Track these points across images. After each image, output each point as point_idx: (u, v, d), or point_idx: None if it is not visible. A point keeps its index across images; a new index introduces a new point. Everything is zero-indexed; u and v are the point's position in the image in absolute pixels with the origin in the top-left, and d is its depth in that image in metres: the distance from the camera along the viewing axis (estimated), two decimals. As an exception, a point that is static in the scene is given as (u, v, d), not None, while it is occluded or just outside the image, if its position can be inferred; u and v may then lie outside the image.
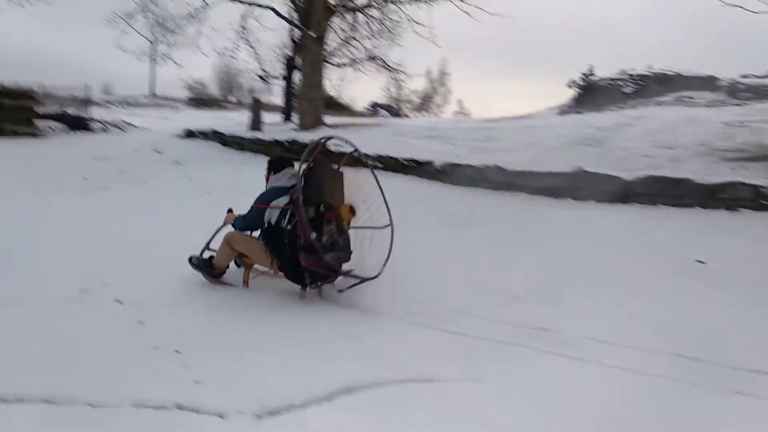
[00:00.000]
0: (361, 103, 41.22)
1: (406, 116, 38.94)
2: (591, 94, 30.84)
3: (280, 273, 4.20)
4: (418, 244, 5.57)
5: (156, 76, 36.19)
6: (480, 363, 3.24)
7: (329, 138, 4.31)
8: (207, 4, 13.35)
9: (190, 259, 4.53)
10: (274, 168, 4.42)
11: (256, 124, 15.44)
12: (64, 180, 9.01)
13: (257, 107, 15.90)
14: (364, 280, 4.10)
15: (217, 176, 9.68)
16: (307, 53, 13.33)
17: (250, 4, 13.77)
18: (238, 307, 4.06)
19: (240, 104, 38.75)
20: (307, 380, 2.96)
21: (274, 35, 17.61)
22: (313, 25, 12.73)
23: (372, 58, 17.80)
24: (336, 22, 15.00)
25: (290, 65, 18.67)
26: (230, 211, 4.61)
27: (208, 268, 4.47)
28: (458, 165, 8.88)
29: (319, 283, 4.16)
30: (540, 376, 3.12)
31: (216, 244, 4.59)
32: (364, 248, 4.27)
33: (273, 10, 13.70)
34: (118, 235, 5.73)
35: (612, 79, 31.80)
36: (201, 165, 10.82)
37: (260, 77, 19.56)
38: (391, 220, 4.41)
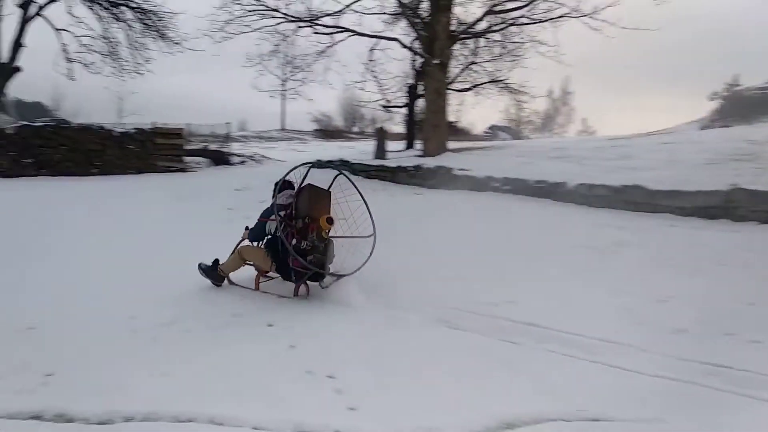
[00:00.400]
0: (479, 127, 41.00)
1: (527, 137, 38.08)
2: (737, 105, 28.19)
3: (277, 274, 4.98)
4: (560, 271, 5.32)
5: (286, 111, 38.56)
6: (654, 402, 2.95)
7: (312, 166, 5.13)
8: (335, 41, 13.95)
9: (200, 266, 5.23)
10: (276, 190, 5.03)
11: (380, 152, 15.80)
12: (210, 210, 9.70)
13: (381, 136, 16.28)
14: (340, 276, 4.84)
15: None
16: (430, 80, 13.46)
17: (376, 37, 14.23)
18: (384, 331, 4.06)
19: (363, 134, 40.10)
20: (461, 412, 2.86)
21: (396, 65, 18.06)
22: (436, 52, 12.86)
23: (494, 81, 17.64)
24: (457, 48, 15.09)
25: (412, 93, 19.01)
26: (247, 228, 5.35)
27: (213, 272, 5.17)
28: (593, 185, 8.43)
29: (300, 281, 4.84)
30: (731, 420, 2.77)
31: None
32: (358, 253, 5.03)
33: (397, 41, 14.05)
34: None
35: (762, 88, 28.86)
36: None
37: (383, 107, 20.04)
38: (374, 230, 5.12)
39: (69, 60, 16.76)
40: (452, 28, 13.50)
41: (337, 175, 5.28)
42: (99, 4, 16.47)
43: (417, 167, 11.85)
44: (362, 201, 5.20)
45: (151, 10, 16.51)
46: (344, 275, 4.82)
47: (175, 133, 15.91)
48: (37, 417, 2.90)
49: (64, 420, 2.88)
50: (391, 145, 16.89)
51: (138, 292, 5.15)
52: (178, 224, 8.42)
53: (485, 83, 17.71)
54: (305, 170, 4.98)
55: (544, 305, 4.48)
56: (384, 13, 14.88)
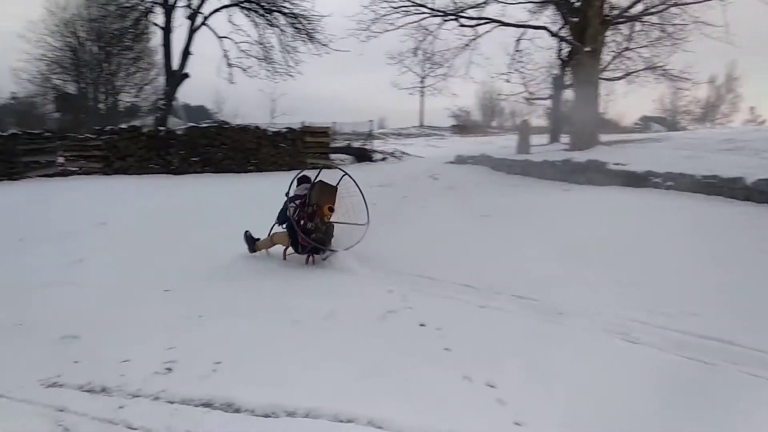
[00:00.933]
0: (628, 118, 38.22)
1: (685, 128, 34.80)
2: None
3: (291, 248, 6.26)
4: (748, 281, 4.66)
5: (424, 107, 38.82)
6: None
7: (323, 167, 6.76)
8: (478, 34, 13.62)
9: (246, 233, 6.60)
10: (296, 182, 6.43)
11: (523, 146, 15.25)
12: (355, 206, 9.91)
13: (525, 129, 15.70)
14: (334, 251, 6.06)
15: (491, 199, 9.66)
16: (580, 69, 12.68)
17: (522, 26, 13.70)
18: (548, 339, 3.78)
19: (502, 128, 39.21)
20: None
21: (540, 56, 17.31)
22: (588, 39, 12.07)
23: (650, 68, 16.25)
24: (609, 34, 14.07)
25: (558, 84, 18.13)
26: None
27: (252, 243, 6.55)
28: (779, 181, 7.39)
29: (305, 253, 6.15)
30: None
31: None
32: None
33: (545, 29, 13.40)
34: (410, 259, 5.95)
35: None
36: (474, 189, 10.96)
37: (526, 99, 19.34)
38: (368, 219, 6.41)
39: (230, 65, 18.19)
40: (605, 12, 12.59)
41: (343, 176, 6.60)
42: (255, 12, 17.65)
43: (565, 162, 11.23)
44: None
45: (301, 15, 17.38)
46: (336, 250, 6.07)
47: (323, 132, 16.60)
48: (207, 404, 3.04)
49: (232, 410, 2.99)
50: (534, 139, 16.25)
51: (292, 284, 5.34)
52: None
53: (640, 70, 16.39)
54: (314, 171, 6.57)
55: (735, 320, 3.91)
56: (530, 2, 14.29)
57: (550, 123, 19.40)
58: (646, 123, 39.60)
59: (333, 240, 6.15)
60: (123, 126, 15.98)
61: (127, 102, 28.81)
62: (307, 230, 5.97)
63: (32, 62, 26.55)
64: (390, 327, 4.08)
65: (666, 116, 41.16)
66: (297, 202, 6.13)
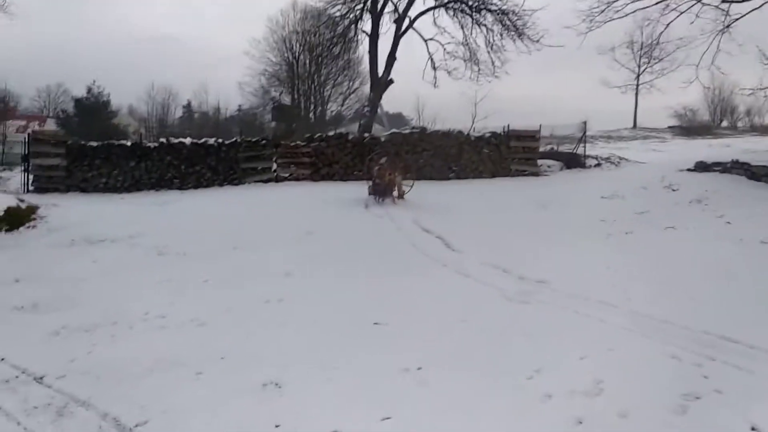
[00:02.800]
0: None
1: None
2: None
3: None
4: None
5: (638, 107, 34.86)
6: None
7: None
8: (731, 17, 11.10)
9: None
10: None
11: (789, 150, 12.33)
12: (579, 222, 8.51)
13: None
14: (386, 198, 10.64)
15: (762, 219, 7.55)
16: None
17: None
18: None
19: (735, 129, 33.75)
20: None
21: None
22: None
23: None
24: None
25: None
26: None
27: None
28: None
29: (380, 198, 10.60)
30: None
31: None
32: None
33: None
34: (680, 306, 4.48)
35: None
36: (732, 204, 8.79)
37: (779, 92, 15.85)
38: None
39: (435, 68, 17.70)
40: None
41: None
42: (462, 11, 16.88)
43: None
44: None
45: (510, 11, 16.18)
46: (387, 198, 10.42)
47: (530, 136, 15.18)
48: None
49: None
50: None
51: (543, 333, 4.24)
52: (547, 237, 7.45)
53: None
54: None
55: None
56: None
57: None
58: None
59: (390, 193, 10.45)
60: (330, 133, 16.25)
61: (333, 111, 30.25)
62: (376, 184, 10.54)
63: (255, 77, 29.15)
64: (700, 427, 2.74)
65: None
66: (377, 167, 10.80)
